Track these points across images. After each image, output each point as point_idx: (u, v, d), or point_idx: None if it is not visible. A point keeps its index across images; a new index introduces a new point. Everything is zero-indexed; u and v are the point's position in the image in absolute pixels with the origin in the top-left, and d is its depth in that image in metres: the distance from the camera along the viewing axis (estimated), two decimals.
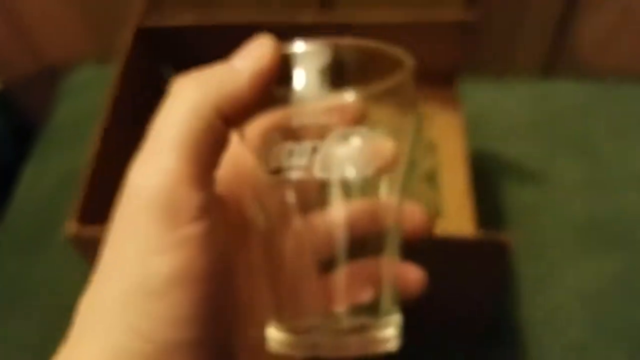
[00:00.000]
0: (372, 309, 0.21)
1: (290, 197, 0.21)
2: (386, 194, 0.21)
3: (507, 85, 0.67)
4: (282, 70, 0.20)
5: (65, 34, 0.78)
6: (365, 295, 0.21)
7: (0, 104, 0.86)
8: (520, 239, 0.55)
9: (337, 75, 0.20)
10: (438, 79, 0.52)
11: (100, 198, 0.38)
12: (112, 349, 0.18)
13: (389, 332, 0.21)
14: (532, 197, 0.59)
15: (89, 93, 0.72)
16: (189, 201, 0.18)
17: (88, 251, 0.36)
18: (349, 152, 0.20)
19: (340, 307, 0.21)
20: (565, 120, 0.64)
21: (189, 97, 0.19)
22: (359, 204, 0.21)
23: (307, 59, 0.21)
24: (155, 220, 0.18)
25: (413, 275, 0.23)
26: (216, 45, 0.34)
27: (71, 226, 0.35)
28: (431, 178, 0.48)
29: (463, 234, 0.32)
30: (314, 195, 0.21)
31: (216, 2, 0.70)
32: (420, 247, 0.33)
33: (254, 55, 0.20)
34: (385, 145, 0.20)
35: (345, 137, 0.20)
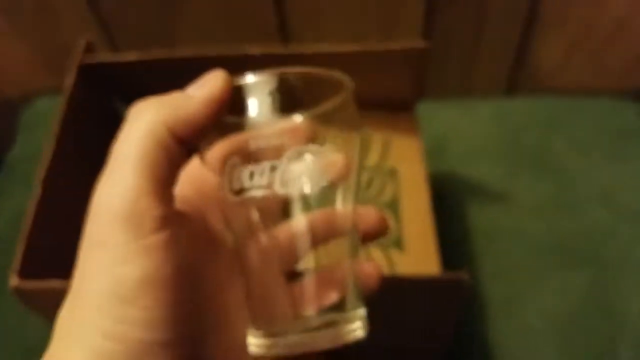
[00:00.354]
0: (339, 307, 0.23)
1: (254, 214, 0.23)
2: (341, 202, 0.23)
3: (469, 107, 0.67)
4: (234, 101, 0.22)
5: (18, 68, 0.77)
6: (332, 297, 0.23)
7: None
8: (485, 262, 0.55)
9: (285, 101, 0.22)
10: (396, 105, 0.52)
11: (43, 248, 0.37)
12: (90, 351, 0.19)
13: (356, 324, 0.23)
14: (495, 218, 0.58)
15: (45, 127, 0.71)
16: (150, 213, 0.20)
17: (32, 302, 0.35)
18: (304, 168, 0.22)
19: (310, 311, 0.22)
20: (527, 138, 0.64)
21: (145, 119, 0.21)
22: (317, 214, 0.23)
23: (257, 88, 0.23)
24: (121, 231, 0.20)
25: (371, 271, 0.25)
26: (162, 78, 0.34)
27: (13, 280, 0.33)
28: (393, 205, 0.48)
29: (420, 274, 0.32)
30: (277, 210, 0.23)
31: (170, 36, 0.70)
32: (382, 286, 0.32)
33: (207, 85, 0.22)
34: (335, 158, 0.23)
35: (299, 155, 0.22)
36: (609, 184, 0.60)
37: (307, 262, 0.23)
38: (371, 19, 0.66)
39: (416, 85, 0.49)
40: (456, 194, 0.60)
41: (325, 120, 0.23)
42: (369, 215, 0.25)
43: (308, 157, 0.22)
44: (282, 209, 0.23)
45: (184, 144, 0.21)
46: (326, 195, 0.23)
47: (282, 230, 0.23)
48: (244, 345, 0.23)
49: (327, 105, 0.23)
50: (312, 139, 0.22)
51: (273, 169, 0.22)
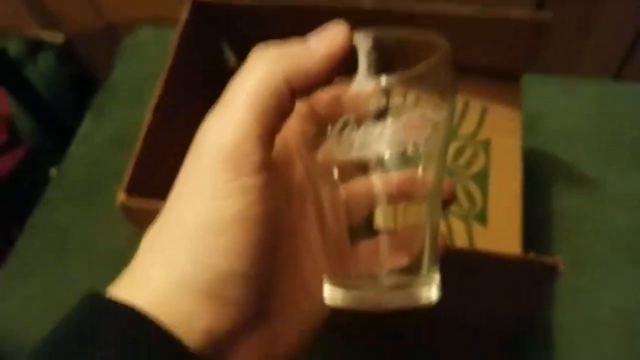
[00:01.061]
0: (415, 270, 0.23)
1: (334, 171, 0.23)
2: (424, 167, 0.23)
3: (571, 85, 0.63)
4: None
5: None
6: (405, 260, 0.23)
7: (61, 55, 0.87)
8: (562, 248, 0.53)
9: (379, 62, 0.22)
10: (502, 75, 0.49)
11: (149, 170, 0.38)
12: (175, 273, 0.20)
13: (430, 289, 0.23)
14: (581, 205, 0.55)
15: (147, 55, 0.73)
16: (252, 156, 0.20)
17: (135, 218, 0.37)
18: (387, 131, 0.22)
19: (383, 270, 0.23)
20: (629, 128, 0.60)
21: (264, 65, 0.21)
22: (398, 175, 0.23)
23: (356, 47, 0.22)
24: (223, 168, 0.20)
25: (440, 240, 0.24)
26: (272, 26, 0.33)
27: (120, 196, 0.35)
28: (482, 178, 0.46)
29: (512, 254, 0.31)
30: (357, 168, 0.23)
31: None
32: (468, 261, 0.32)
33: (328, 39, 0.21)
34: (424, 121, 0.22)
35: (386, 117, 0.22)
36: None
37: (385, 222, 0.23)
38: None
39: (528, 57, 0.47)
40: (545, 173, 0.57)
41: (418, 82, 0.22)
42: (445, 183, 0.24)
43: (394, 120, 0.22)
44: (363, 168, 0.22)
45: (296, 95, 0.21)
46: (411, 159, 0.22)
47: (361, 187, 0.23)
48: (309, 291, 0.24)
49: (420, 67, 0.22)
50: (405, 102, 0.22)
51: (368, 130, 0.22)
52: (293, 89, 0.21)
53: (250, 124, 0.20)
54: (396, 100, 0.22)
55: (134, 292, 0.20)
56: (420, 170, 0.23)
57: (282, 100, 0.21)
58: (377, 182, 0.23)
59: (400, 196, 0.23)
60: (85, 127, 0.69)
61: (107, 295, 0.20)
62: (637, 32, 0.63)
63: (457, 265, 0.33)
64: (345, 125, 0.22)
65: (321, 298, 0.24)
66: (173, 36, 0.42)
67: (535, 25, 0.42)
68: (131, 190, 0.36)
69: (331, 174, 0.23)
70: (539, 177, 0.57)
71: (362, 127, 0.22)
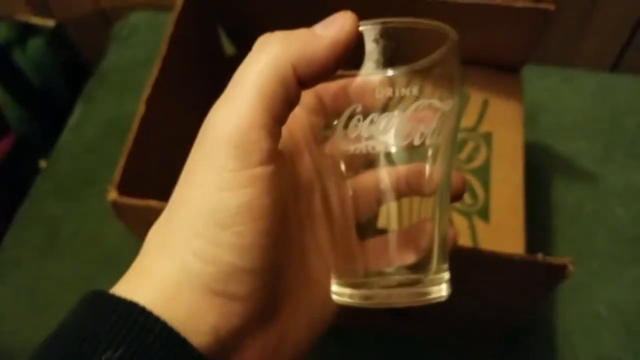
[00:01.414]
0: (423, 267, 0.22)
1: (341, 164, 0.22)
2: (432, 161, 0.22)
3: (571, 77, 0.61)
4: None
5: None
6: (412, 258, 0.22)
7: (52, 41, 0.84)
8: (563, 242, 0.52)
9: (387, 51, 0.21)
10: (502, 66, 0.48)
11: (142, 165, 0.36)
12: (180, 267, 0.20)
13: (439, 287, 0.22)
14: (581, 198, 0.54)
15: (140, 40, 0.70)
16: (259, 145, 0.19)
17: (127, 216, 0.35)
18: (396, 123, 0.21)
19: (390, 267, 0.22)
20: (629, 120, 0.58)
21: (270, 52, 0.20)
22: (405, 169, 0.22)
23: (362, 37, 0.21)
24: (230, 157, 0.19)
25: (452, 235, 0.24)
26: (270, 12, 0.31)
27: (112, 193, 0.33)
28: (483, 172, 0.45)
29: (520, 255, 0.29)
30: (364, 161, 0.22)
31: None
32: (475, 260, 0.30)
33: (336, 26, 0.20)
34: (433, 113, 0.21)
35: (394, 110, 0.21)
36: None
37: (394, 218, 0.22)
38: None
39: (528, 47, 0.45)
40: (544, 166, 0.56)
41: (427, 73, 0.21)
42: (454, 177, 0.23)
43: (403, 113, 0.21)
44: (371, 161, 0.22)
45: (303, 84, 0.20)
46: (419, 152, 0.21)
47: (369, 181, 0.22)
48: (317, 287, 0.23)
49: (429, 58, 0.21)
50: (414, 93, 0.21)
51: (375, 121, 0.21)
52: (300, 76, 0.20)
53: (258, 113, 0.20)
54: (403, 91, 0.21)
55: (139, 290, 0.19)
56: (428, 163, 0.22)
57: (290, 87, 0.20)
58: (385, 176, 0.22)
59: (409, 190, 0.22)
60: (76, 115, 0.66)
61: (111, 293, 0.19)
62: (636, 23, 0.61)
63: (463, 264, 0.32)
64: (351, 116, 0.21)
65: (329, 294, 0.23)
66: (167, 21, 0.40)
67: (537, 14, 0.40)
68: (123, 187, 0.34)
69: (338, 167, 0.22)
70: (538, 170, 0.55)
71: (369, 119, 0.21)
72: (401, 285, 0.22)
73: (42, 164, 0.79)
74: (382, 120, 0.21)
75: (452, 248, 0.24)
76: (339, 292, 0.22)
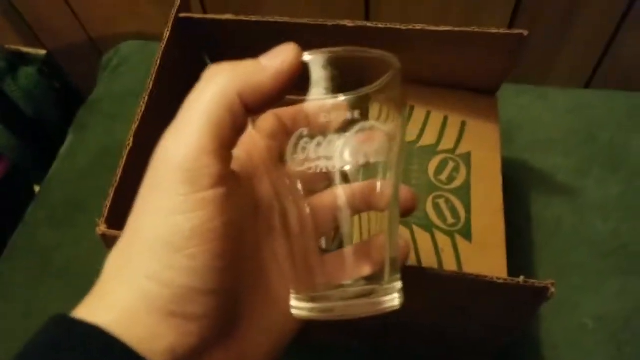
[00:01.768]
0: (377, 278, 0.23)
1: (300, 183, 0.23)
2: (382, 178, 0.23)
3: (545, 94, 0.63)
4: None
5: (104, 12, 0.76)
6: (369, 269, 0.23)
7: (44, 70, 0.85)
8: (544, 257, 0.52)
9: (335, 79, 0.22)
10: (479, 89, 0.48)
11: (131, 197, 0.36)
12: (137, 292, 0.20)
13: (393, 296, 0.23)
14: (560, 212, 0.55)
15: (130, 69, 0.70)
16: (209, 170, 0.20)
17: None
18: (345, 144, 0.22)
19: (348, 280, 0.23)
20: (603, 134, 0.59)
21: (218, 82, 0.21)
22: (358, 186, 0.23)
23: (309, 67, 0.22)
24: (181, 182, 0.20)
25: (403, 246, 0.25)
26: (253, 41, 0.32)
27: (101, 227, 0.33)
28: (464, 192, 0.45)
29: (502, 279, 0.30)
30: (320, 181, 0.23)
31: (259, 10, 0.67)
32: (458, 283, 0.30)
33: (279, 57, 0.21)
34: (379, 134, 0.23)
35: (345, 130, 0.22)
36: None
37: (350, 233, 0.24)
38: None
39: (504, 71, 0.46)
40: (522, 182, 0.57)
41: (371, 98, 0.23)
42: (404, 192, 0.25)
43: (353, 133, 0.22)
44: (326, 179, 0.23)
45: (250, 111, 0.21)
46: (369, 170, 0.23)
47: (325, 200, 0.23)
48: (277, 302, 0.24)
49: (373, 85, 0.23)
50: (359, 118, 0.22)
51: (323, 143, 0.22)
52: (246, 104, 0.21)
53: (207, 139, 0.20)
54: (349, 114, 0.22)
55: (99, 312, 0.20)
56: (379, 181, 0.23)
57: (236, 114, 0.21)
58: (340, 193, 0.23)
59: (364, 206, 0.23)
60: (68, 144, 0.66)
61: (72, 316, 0.20)
62: (607, 43, 0.63)
63: (449, 285, 0.32)
64: (299, 139, 0.22)
65: (289, 309, 0.24)
66: (156, 50, 0.40)
67: (512, 39, 0.41)
68: (111, 219, 0.34)
69: (295, 187, 0.23)
70: (518, 186, 0.56)
71: (315, 141, 0.22)
72: (357, 296, 0.23)
73: (37, 189, 0.79)
74: (328, 142, 0.22)
75: (404, 260, 0.25)
76: (299, 307, 0.23)
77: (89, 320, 0.19)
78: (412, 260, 0.42)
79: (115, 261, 0.22)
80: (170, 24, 0.45)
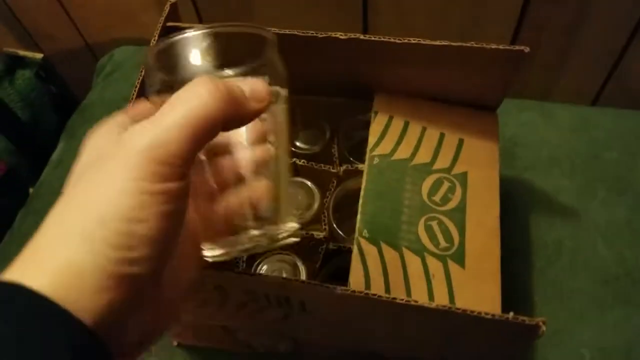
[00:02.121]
0: (273, 220, 0.26)
1: (201, 155, 0.25)
2: (272, 136, 0.27)
3: (548, 111, 0.60)
4: (169, 56, 0.25)
5: (99, 19, 0.74)
6: (264, 206, 0.26)
7: (40, 74, 0.83)
8: (542, 281, 0.50)
9: (216, 55, 0.24)
10: (478, 106, 0.46)
11: None
12: (67, 260, 0.20)
13: (289, 233, 0.27)
14: (561, 235, 0.52)
15: (122, 75, 0.69)
16: (176, 162, 0.22)
17: None
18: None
19: (249, 221, 0.26)
20: (608, 154, 0.56)
21: (202, 99, 0.23)
22: (250, 135, 0.26)
23: (190, 44, 0.24)
24: (149, 172, 0.21)
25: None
26: None
27: None
28: (459, 214, 0.42)
29: (493, 315, 0.27)
30: (224, 150, 0.26)
31: (249, 10, 0.65)
32: (450, 317, 0.28)
33: (263, 102, 0.24)
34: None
35: None
36: None
37: (245, 186, 0.26)
38: (462, 7, 0.59)
39: (504, 88, 0.43)
40: (523, 202, 0.54)
41: (254, 74, 0.25)
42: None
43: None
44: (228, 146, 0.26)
45: (225, 129, 0.23)
46: (261, 134, 0.26)
47: (227, 161, 0.26)
48: (188, 262, 0.26)
49: (255, 60, 0.25)
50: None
51: None
52: (225, 126, 0.23)
53: (185, 140, 0.22)
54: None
55: (27, 273, 0.20)
56: (269, 145, 0.26)
57: (216, 130, 0.23)
58: (239, 149, 0.26)
59: (258, 156, 0.26)
60: (58, 151, 0.64)
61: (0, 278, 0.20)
62: (615, 59, 0.60)
63: (439, 318, 0.30)
64: None
65: (194, 265, 0.26)
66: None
67: (512, 56, 0.39)
68: None
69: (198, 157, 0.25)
70: (518, 207, 0.53)
71: None
72: (259, 236, 0.26)
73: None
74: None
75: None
76: (212, 253, 0.26)
77: (15, 280, 0.20)
78: (400, 286, 0.39)
79: (53, 224, 0.22)
80: (157, 33, 0.43)
